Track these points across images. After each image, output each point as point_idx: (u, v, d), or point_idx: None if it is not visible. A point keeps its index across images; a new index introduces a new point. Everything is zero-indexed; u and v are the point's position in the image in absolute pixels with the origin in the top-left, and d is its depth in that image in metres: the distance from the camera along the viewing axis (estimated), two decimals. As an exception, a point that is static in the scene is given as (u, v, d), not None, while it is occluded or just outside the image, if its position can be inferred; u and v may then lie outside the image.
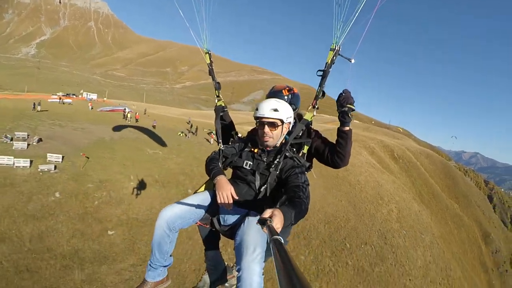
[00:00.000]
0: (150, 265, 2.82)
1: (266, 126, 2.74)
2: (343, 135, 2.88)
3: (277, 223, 1.69)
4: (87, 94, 77.34)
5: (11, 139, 22.55)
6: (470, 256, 43.29)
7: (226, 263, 3.33)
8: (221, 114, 3.55)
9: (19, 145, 22.07)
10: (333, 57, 2.97)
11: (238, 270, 2.23)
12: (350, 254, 14.03)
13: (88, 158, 22.29)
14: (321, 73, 3.02)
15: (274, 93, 3.24)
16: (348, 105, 2.80)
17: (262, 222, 1.58)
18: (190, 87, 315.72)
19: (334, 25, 2.90)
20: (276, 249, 1.04)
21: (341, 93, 2.87)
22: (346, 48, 3.00)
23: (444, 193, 62.81)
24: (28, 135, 24.12)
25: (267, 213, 1.74)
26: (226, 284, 3.31)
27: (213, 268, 3.22)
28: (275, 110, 2.73)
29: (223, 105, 3.65)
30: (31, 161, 20.58)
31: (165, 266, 2.87)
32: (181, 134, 36.03)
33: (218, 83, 3.68)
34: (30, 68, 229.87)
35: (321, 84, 3.03)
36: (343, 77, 3.03)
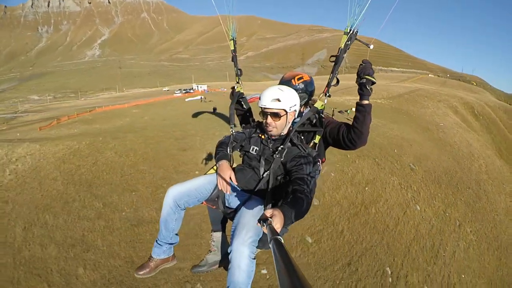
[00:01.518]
0: (157, 241, 3.00)
1: (268, 117, 2.72)
2: (361, 109, 2.69)
3: (277, 223, 1.72)
4: (197, 86, 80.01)
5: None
6: None
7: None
8: (239, 100, 3.55)
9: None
10: (346, 41, 2.78)
11: (229, 251, 2.33)
12: (462, 194, 21.38)
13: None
14: (334, 59, 2.86)
15: (284, 82, 3.13)
16: (366, 76, 2.60)
17: (262, 222, 1.65)
18: (253, 57, 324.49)
19: (350, 5, 2.65)
20: (277, 249, 1.07)
21: (360, 64, 2.71)
22: (361, 30, 2.75)
23: (524, 148, 65.86)
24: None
25: (267, 213, 1.77)
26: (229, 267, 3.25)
27: (216, 249, 3.31)
28: (278, 100, 2.66)
29: (242, 91, 3.60)
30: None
31: (170, 244, 3.03)
32: None
33: (240, 69, 3.66)
34: (100, 68, 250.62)
35: (333, 71, 2.84)
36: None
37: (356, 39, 2.81)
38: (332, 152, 17.50)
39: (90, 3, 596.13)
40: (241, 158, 3.07)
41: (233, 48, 3.73)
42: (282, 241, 1.17)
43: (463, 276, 13.55)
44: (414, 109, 42.87)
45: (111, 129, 24.74)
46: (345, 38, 2.78)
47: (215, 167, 3.11)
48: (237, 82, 3.64)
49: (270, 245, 1.16)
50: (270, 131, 2.77)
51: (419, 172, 19.88)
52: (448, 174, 22.34)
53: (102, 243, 10.50)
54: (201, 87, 78.23)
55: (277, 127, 2.74)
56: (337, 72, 2.84)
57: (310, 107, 3.03)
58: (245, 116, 3.59)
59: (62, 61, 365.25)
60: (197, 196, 2.85)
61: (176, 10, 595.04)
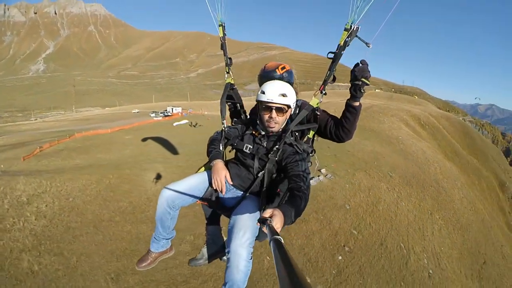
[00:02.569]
0: (154, 237, 3.10)
1: (274, 111, 2.73)
2: (352, 110, 2.80)
3: (277, 223, 1.75)
4: (172, 108, 79.12)
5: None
6: (490, 202, 57.43)
7: (224, 239, 3.47)
8: (229, 92, 3.48)
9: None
10: (346, 38, 2.74)
11: (228, 252, 2.42)
12: (427, 191, 27.16)
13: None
14: (332, 55, 2.83)
15: (268, 72, 3.15)
16: (363, 79, 2.65)
17: (262, 222, 1.67)
18: (204, 74, 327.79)
19: (352, 0, 2.62)
20: (277, 250, 1.10)
21: (357, 63, 2.69)
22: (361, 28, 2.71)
23: (464, 151, 76.89)
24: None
25: (267, 213, 1.81)
26: (224, 258, 3.38)
27: (212, 242, 3.42)
28: (284, 95, 2.70)
29: (232, 82, 3.55)
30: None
31: (168, 239, 3.15)
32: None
33: (230, 58, 3.58)
34: (45, 85, 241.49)
35: (331, 68, 2.85)
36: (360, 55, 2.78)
37: (356, 36, 2.72)
38: (339, 168, 23.01)
39: (36, 13, 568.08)
40: (234, 153, 3.14)
41: (222, 35, 3.55)
42: (282, 241, 1.22)
43: (442, 248, 19.41)
44: (374, 125, 50.40)
45: (126, 159, 25.48)
46: (345, 34, 2.73)
47: (204, 166, 3.21)
48: (227, 72, 3.55)
49: (270, 246, 1.21)
50: (272, 127, 2.81)
51: (395, 178, 25.97)
52: (415, 177, 28.79)
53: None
54: (176, 109, 78.37)
55: (279, 123, 2.82)
56: (334, 69, 2.84)
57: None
58: (236, 110, 3.55)
59: (5, 76, 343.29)
60: (190, 197, 2.89)
61: (124, 24, 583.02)
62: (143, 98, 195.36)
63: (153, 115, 71.68)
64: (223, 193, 2.82)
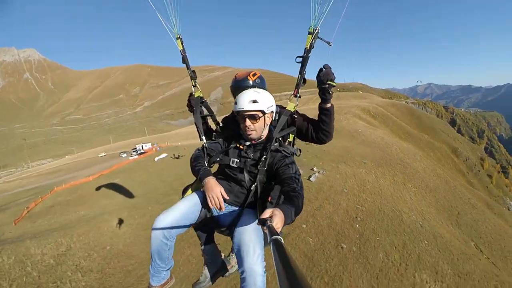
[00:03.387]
0: (153, 271, 2.96)
1: (247, 120, 2.77)
2: (327, 113, 2.99)
3: (278, 222, 1.77)
4: (142, 145, 78.88)
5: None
6: (448, 167, 64.42)
7: (222, 255, 3.49)
8: (200, 106, 3.46)
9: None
10: (312, 40, 2.95)
11: (242, 272, 2.40)
12: (396, 168, 31.91)
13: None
14: (300, 59, 3.00)
15: (240, 82, 3.24)
16: (329, 82, 2.82)
17: (262, 222, 1.68)
18: (151, 106, 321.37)
19: (312, 6, 2.83)
20: (276, 250, 1.10)
21: (321, 69, 2.87)
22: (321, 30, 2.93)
23: (415, 130, 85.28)
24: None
25: (267, 213, 1.82)
26: (227, 274, 3.49)
27: (211, 262, 3.36)
28: (254, 101, 2.73)
29: (201, 95, 3.53)
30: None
31: (167, 270, 3.04)
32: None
33: (194, 71, 3.60)
34: None
35: (301, 71, 3.02)
36: (320, 61, 2.93)
37: (318, 37, 2.93)
38: (325, 164, 26.93)
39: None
40: (217, 169, 3.14)
41: (182, 48, 3.51)
42: (282, 241, 1.23)
43: (422, 208, 23.81)
44: (335, 125, 55.51)
45: (138, 198, 26.35)
46: (310, 38, 2.94)
47: (191, 188, 3.20)
48: (194, 86, 3.53)
49: (270, 246, 1.22)
50: (249, 134, 2.84)
51: (368, 163, 30.48)
52: (383, 159, 33.59)
53: None
54: (146, 145, 77.84)
55: (256, 130, 2.82)
56: (304, 72, 3.02)
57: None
58: (208, 127, 3.56)
59: None
60: (185, 223, 2.81)
61: (60, 66, 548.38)
62: (94, 142, 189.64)
63: (124, 155, 71.07)
64: (223, 209, 2.68)
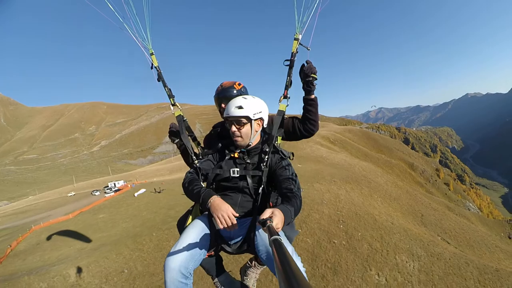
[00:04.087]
0: None
1: (233, 125, 2.78)
2: (312, 103, 3.12)
3: (278, 222, 1.80)
4: (115, 183, 76.44)
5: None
6: (407, 181, 69.89)
7: (239, 281, 3.35)
8: (184, 125, 3.39)
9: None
10: (297, 45, 3.12)
11: None
12: (361, 183, 35.64)
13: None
14: (288, 62, 3.13)
15: (225, 91, 3.23)
16: (312, 75, 3.00)
17: (263, 223, 1.68)
18: (108, 146, 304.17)
19: (296, 14, 3.05)
20: (275, 250, 1.11)
21: (303, 64, 3.07)
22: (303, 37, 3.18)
23: (372, 151, 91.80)
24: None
25: (267, 213, 1.85)
26: None
27: None
28: (240, 107, 2.76)
29: (182, 114, 3.44)
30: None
31: None
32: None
33: (170, 89, 3.47)
34: None
35: (289, 74, 3.12)
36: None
37: (300, 43, 3.11)
38: (302, 183, 29.90)
39: None
40: (212, 187, 2.93)
41: (157, 64, 3.40)
42: (282, 241, 1.22)
43: (389, 212, 27.27)
44: (300, 152, 59.65)
45: (135, 228, 27.08)
46: (295, 43, 3.11)
47: (191, 215, 3.02)
48: (173, 104, 3.44)
49: (270, 246, 1.23)
50: (236, 140, 2.81)
51: (337, 181, 34.08)
52: (349, 177, 37.45)
53: None
54: (118, 183, 76.24)
55: (242, 136, 2.78)
56: (291, 74, 3.11)
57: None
58: (186, 148, 3.34)
59: None
60: (200, 253, 2.61)
61: (13, 102, 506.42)
62: (51, 183, 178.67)
63: (97, 193, 68.52)
64: (236, 227, 2.38)
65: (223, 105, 3.16)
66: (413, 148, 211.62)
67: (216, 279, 3.15)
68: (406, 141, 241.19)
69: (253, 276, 3.39)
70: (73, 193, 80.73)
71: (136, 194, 47.50)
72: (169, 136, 3.44)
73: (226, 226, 2.31)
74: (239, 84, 3.25)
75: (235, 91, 3.16)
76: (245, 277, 3.38)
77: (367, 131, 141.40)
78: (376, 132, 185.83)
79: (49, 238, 29.76)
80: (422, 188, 71.69)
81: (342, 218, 20.98)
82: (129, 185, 66.33)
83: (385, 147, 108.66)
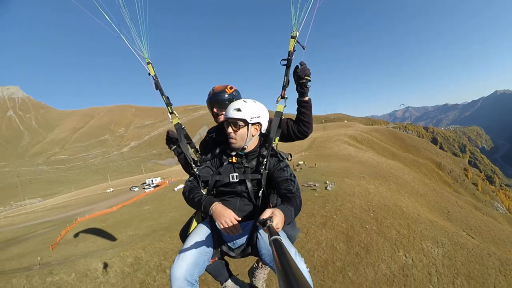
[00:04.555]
0: None
1: (229, 127, 2.81)
2: (306, 105, 3.07)
3: (278, 222, 1.79)
4: (152, 180, 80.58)
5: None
6: (434, 180, 70.15)
7: (248, 283, 3.37)
8: (182, 133, 3.41)
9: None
10: (294, 44, 3.10)
11: None
12: (389, 180, 37.20)
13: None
14: (285, 62, 3.10)
15: (216, 95, 3.25)
16: (306, 77, 2.96)
17: (263, 223, 1.68)
18: (138, 147, 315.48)
19: (292, 12, 3.02)
20: (275, 250, 1.12)
21: (297, 66, 3.02)
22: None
23: (399, 151, 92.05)
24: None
25: (267, 213, 1.84)
26: None
27: None
28: (238, 110, 2.78)
29: (180, 122, 3.45)
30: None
31: None
32: None
33: (168, 97, 3.47)
34: None
35: (286, 74, 3.10)
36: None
37: (297, 41, 3.10)
38: (334, 179, 31.97)
39: None
40: (213, 193, 2.96)
41: (153, 74, 3.44)
42: (282, 241, 1.23)
43: (416, 206, 28.89)
44: (328, 151, 61.70)
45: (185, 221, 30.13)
46: (292, 41, 3.09)
47: (195, 220, 3.08)
48: (171, 113, 3.43)
49: (270, 246, 1.23)
50: (231, 142, 2.83)
51: (366, 177, 35.95)
52: (377, 174, 39.22)
53: None
54: (156, 179, 79.64)
55: (237, 139, 2.81)
56: (289, 74, 3.10)
57: None
58: (186, 156, 3.35)
59: None
60: (204, 259, 2.69)
61: (44, 105, 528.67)
62: (83, 182, 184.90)
63: (136, 189, 72.48)
64: (240, 231, 2.44)
65: (215, 110, 3.26)
66: (441, 148, 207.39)
67: (224, 284, 3.20)
68: (434, 141, 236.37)
69: (261, 277, 3.46)
70: (111, 189, 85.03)
71: (176, 189, 49.54)
72: (166, 143, 3.48)
73: (229, 231, 2.37)
74: (231, 88, 3.31)
75: (226, 95, 3.23)
76: (253, 279, 3.47)
77: (394, 130, 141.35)
78: (404, 132, 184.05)
79: (97, 227, 31.68)
80: (450, 187, 71.62)
81: (372, 207, 23.01)
82: (167, 181, 68.77)
83: (412, 146, 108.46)
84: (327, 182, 30.26)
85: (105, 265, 18.73)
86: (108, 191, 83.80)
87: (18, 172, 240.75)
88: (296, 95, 3.11)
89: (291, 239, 2.75)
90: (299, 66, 2.98)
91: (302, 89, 3.00)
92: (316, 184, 28.92)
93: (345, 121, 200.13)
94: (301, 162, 47.76)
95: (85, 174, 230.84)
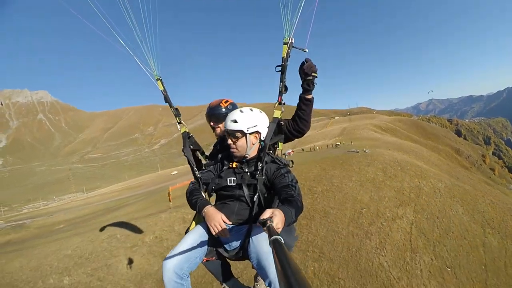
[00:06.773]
0: None
1: (229, 138, 2.90)
2: (308, 102, 3.10)
3: (278, 222, 1.80)
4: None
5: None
6: (452, 165, 76.50)
7: (248, 286, 3.43)
8: (188, 140, 3.57)
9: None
10: (288, 50, 3.09)
11: (269, 284, 2.38)
12: (408, 154, 45.05)
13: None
14: (279, 68, 3.13)
15: (213, 109, 3.48)
16: (313, 74, 2.98)
17: (263, 223, 1.68)
18: (168, 144, 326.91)
19: (283, 18, 2.99)
20: (275, 250, 1.12)
21: (303, 62, 3.02)
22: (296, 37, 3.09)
23: (420, 138, 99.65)
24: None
25: (267, 213, 1.85)
26: None
27: None
28: (235, 121, 2.85)
29: (187, 131, 3.66)
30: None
31: None
32: None
33: (177, 109, 3.73)
34: (9, 179, 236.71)
35: (282, 79, 3.13)
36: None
37: (293, 46, 3.10)
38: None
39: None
40: (215, 197, 3.14)
41: (162, 89, 3.68)
42: (282, 241, 1.23)
43: (431, 168, 38.67)
44: (358, 136, 70.07)
45: None
46: (285, 47, 3.09)
47: (194, 220, 3.25)
48: (179, 123, 3.70)
49: (270, 246, 1.23)
50: (233, 152, 2.94)
51: (391, 149, 44.88)
52: (400, 148, 47.42)
53: None
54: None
55: (238, 149, 2.91)
56: (285, 80, 3.14)
57: None
58: (196, 159, 3.59)
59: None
60: (196, 256, 2.78)
61: (72, 108, 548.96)
62: (120, 177, 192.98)
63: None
64: (228, 235, 2.65)
65: (212, 123, 3.56)
66: (465, 139, 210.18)
67: (224, 285, 3.25)
68: (458, 133, 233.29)
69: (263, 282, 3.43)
70: (175, 172, 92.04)
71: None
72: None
73: (218, 234, 2.54)
74: (226, 102, 3.53)
75: (223, 109, 3.45)
76: (256, 283, 3.57)
77: (416, 120, 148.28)
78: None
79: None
80: (467, 171, 76.87)
81: (397, 161, 31.62)
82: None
83: (432, 134, 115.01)
84: (364, 149, 39.60)
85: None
86: (173, 173, 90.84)
87: (48, 172, 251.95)
88: (300, 91, 3.14)
89: (288, 248, 2.55)
90: (305, 62, 3.03)
91: (308, 85, 3.06)
92: (358, 150, 37.85)
93: (374, 112, 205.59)
94: (338, 143, 57.01)
95: (119, 170, 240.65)
